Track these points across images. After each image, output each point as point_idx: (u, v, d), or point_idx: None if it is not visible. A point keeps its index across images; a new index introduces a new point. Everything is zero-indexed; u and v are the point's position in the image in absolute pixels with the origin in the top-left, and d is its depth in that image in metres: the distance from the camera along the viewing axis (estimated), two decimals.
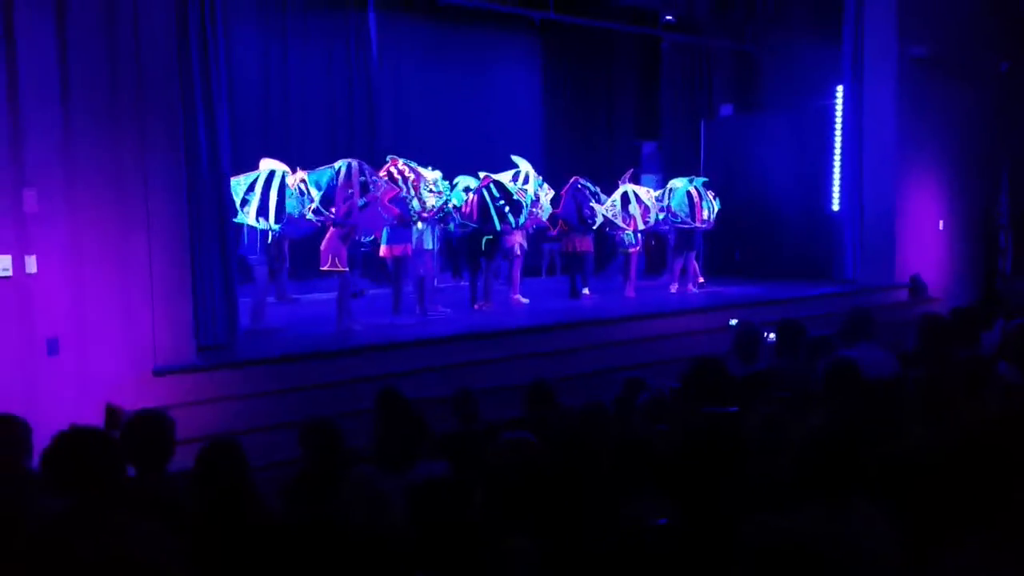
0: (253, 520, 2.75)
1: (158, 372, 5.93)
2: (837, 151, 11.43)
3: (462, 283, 11.06)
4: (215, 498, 2.79)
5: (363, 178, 7.64)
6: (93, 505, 2.47)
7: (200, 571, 2.42)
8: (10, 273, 5.37)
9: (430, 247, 8.72)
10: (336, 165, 7.74)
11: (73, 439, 2.54)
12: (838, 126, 11.37)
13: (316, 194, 7.59)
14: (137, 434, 3.19)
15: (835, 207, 11.50)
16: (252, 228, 7.78)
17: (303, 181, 7.73)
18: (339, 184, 7.58)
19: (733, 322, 5.69)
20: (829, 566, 2.23)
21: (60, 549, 2.42)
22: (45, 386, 5.48)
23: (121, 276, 5.84)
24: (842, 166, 11.32)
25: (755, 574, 2.28)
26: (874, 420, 3.54)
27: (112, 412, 5.48)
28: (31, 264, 5.46)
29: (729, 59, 14.24)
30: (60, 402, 5.41)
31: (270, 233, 7.84)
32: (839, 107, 11.30)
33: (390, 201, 7.95)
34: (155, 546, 2.47)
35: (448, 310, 8.94)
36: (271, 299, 8.85)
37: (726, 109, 13.88)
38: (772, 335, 5.44)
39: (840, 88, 11.23)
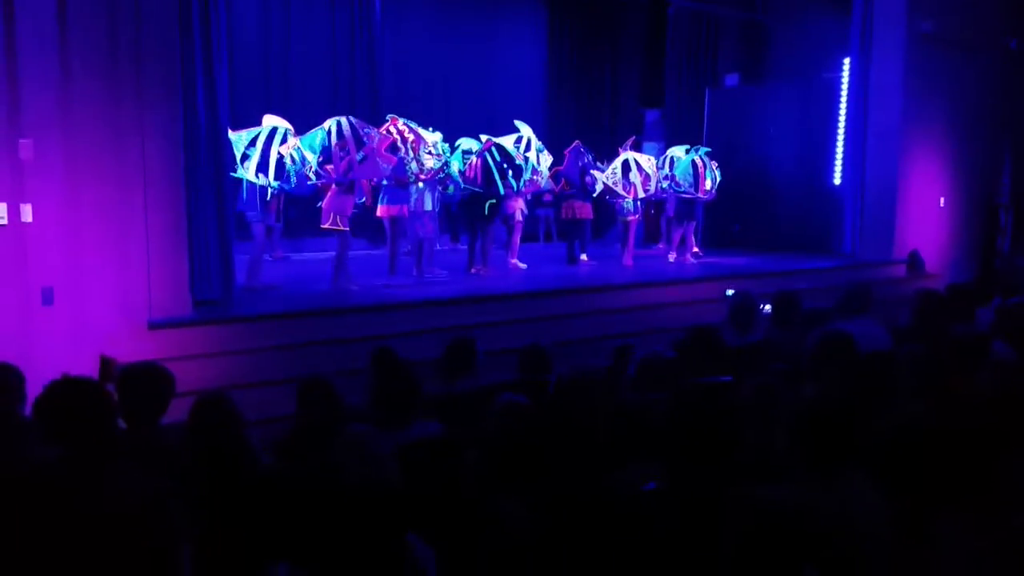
0: (246, 474, 2.76)
1: (153, 325, 5.92)
2: (841, 124, 11.35)
3: (460, 247, 11.04)
4: (207, 451, 2.80)
5: (355, 132, 7.62)
6: (86, 454, 2.48)
7: (192, 522, 2.43)
8: (5, 221, 5.34)
9: (429, 208, 8.67)
10: (326, 125, 7.71)
11: (65, 388, 2.54)
12: (843, 99, 11.28)
13: (312, 157, 7.56)
14: (133, 386, 3.19)
15: (837, 181, 11.45)
16: (251, 184, 7.74)
17: (296, 148, 7.69)
18: (333, 144, 7.56)
19: (730, 292, 5.69)
20: (819, 538, 2.25)
21: (53, 497, 2.43)
22: (39, 335, 5.47)
23: (117, 228, 5.81)
24: (845, 140, 11.25)
25: (745, 546, 2.30)
26: (866, 394, 3.56)
27: (106, 363, 5.48)
28: (26, 213, 5.42)
29: (736, 28, 14.06)
30: (54, 352, 5.40)
31: (268, 189, 7.80)
32: (845, 80, 11.21)
33: (387, 150, 7.92)
34: (147, 496, 2.48)
35: (445, 272, 8.92)
36: (266, 256, 8.82)
37: (731, 79, 13.74)
38: (768, 306, 5.47)
39: (847, 61, 11.12)
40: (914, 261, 10.70)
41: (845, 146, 11.26)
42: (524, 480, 2.80)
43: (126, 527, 2.36)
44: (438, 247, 9.72)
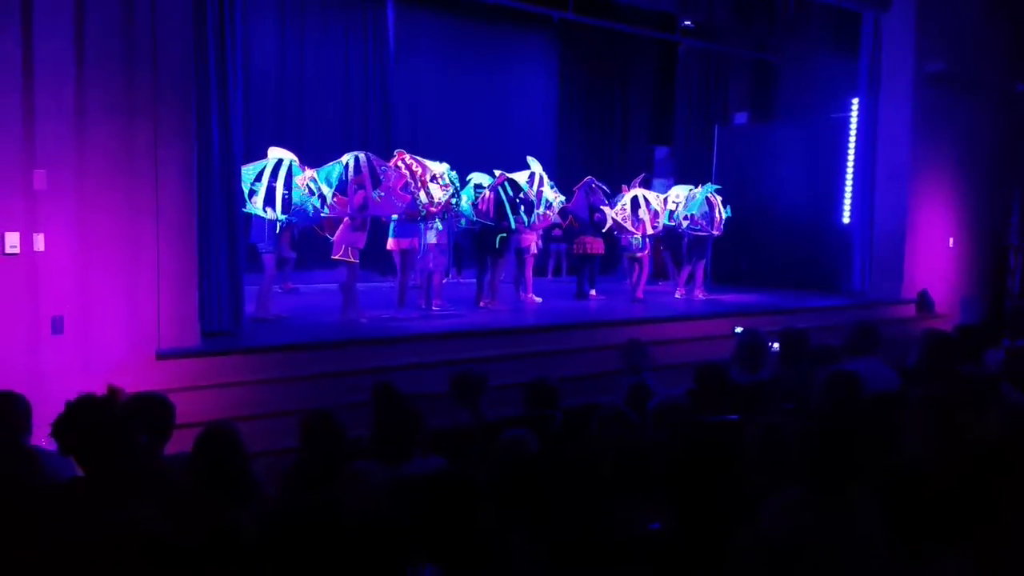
0: (248, 506, 2.75)
1: (161, 355, 5.94)
2: (850, 164, 11.39)
3: (462, 280, 11.06)
4: (211, 482, 2.80)
5: (372, 169, 7.72)
6: (96, 481, 2.49)
7: (192, 553, 2.42)
8: (18, 250, 5.39)
9: (434, 242, 8.71)
10: (344, 159, 7.80)
11: (84, 406, 2.57)
12: (852, 139, 11.34)
13: (328, 190, 7.65)
14: (135, 416, 3.20)
15: (845, 220, 11.46)
16: (260, 217, 7.80)
17: (313, 179, 7.77)
18: (349, 179, 7.65)
19: (738, 330, 5.69)
20: (820, 555, 2.24)
21: (58, 524, 2.43)
22: (48, 364, 5.49)
23: (128, 259, 5.85)
24: (854, 179, 11.28)
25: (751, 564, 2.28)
26: (872, 433, 3.53)
27: (113, 393, 5.49)
28: (39, 242, 5.47)
29: (746, 67, 14.22)
30: (63, 381, 5.40)
31: (277, 223, 7.87)
32: (854, 120, 11.26)
33: (402, 189, 8.01)
34: (152, 525, 2.48)
35: (452, 305, 8.94)
36: (276, 288, 8.86)
37: (740, 117, 13.85)
38: (776, 344, 5.46)
39: (856, 101, 11.19)
40: (924, 301, 10.66)
41: (854, 185, 11.28)
42: (528, 515, 2.79)
43: (130, 556, 2.35)
44: (452, 277, 9.76)
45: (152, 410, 3.18)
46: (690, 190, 10.54)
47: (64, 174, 5.56)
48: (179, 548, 2.30)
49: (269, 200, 7.68)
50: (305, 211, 7.79)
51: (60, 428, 2.53)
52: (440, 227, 8.66)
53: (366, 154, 7.90)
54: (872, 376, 4.46)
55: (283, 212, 7.69)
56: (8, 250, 5.36)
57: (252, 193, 7.65)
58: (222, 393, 5.87)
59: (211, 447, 2.95)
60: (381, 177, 7.75)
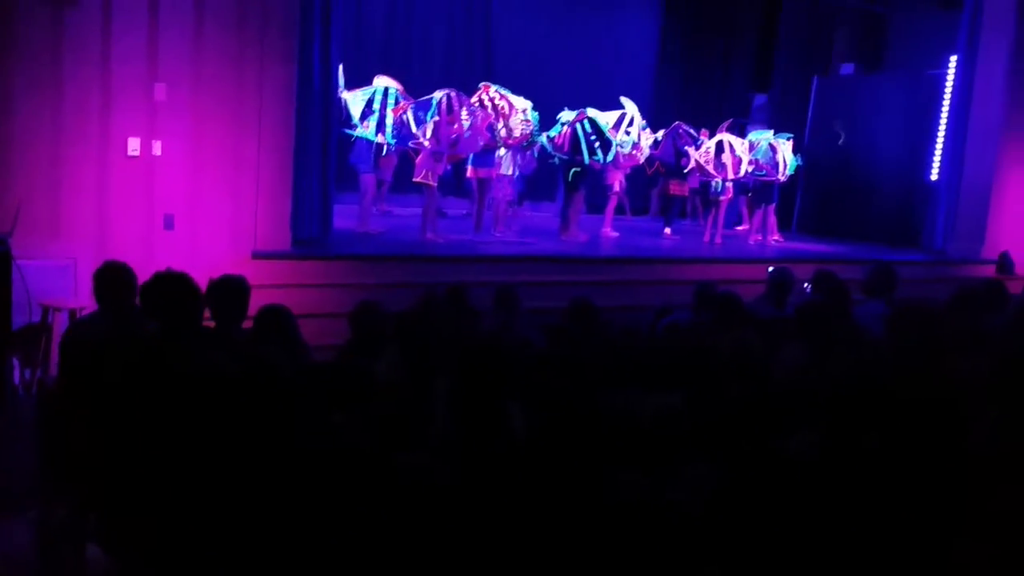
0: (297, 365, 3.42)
1: (256, 255, 6.74)
2: (943, 121, 11.23)
3: (524, 212, 11.51)
4: (267, 344, 3.47)
5: (463, 108, 8.24)
6: (176, 328, 3.20)
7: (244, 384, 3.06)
8: (138, 153, 6.24)
9: (508, 172, 9.22)
10: (436, 96, 8.33)
11: (166, 276, 3.28)
12: (947, 97, 11.15)
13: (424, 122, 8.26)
14: (218, 292, 3.93)
15: (933, 177, 11.35)
16: (367, 140, 8.47)
17: (409, 109, 8.36)
18: (441, 117, 8.18)
19: (771, 269, 6.04)
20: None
21: (156, 360, 3.14)
22: (159, 256, 6.33)
23: (232, 167, 6.63)
24: (946, 137, 11.13)
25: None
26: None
27: (211, 282, 6.31)
28: (157, 148, 6.31)
29: (853, 17, 13.92)
30: None
31: (385, 147, 8.54)
32: (950, 77, 11.07)
33: (487, 129, 8.54)
34: (227, 369, 3.16)
35: (512, 234, 9.40)
36: (373, 209, 9.56)
37: (847, 68, 13.62)
38: (808, 286, 5.79)
39: (954, 58, 10.97)
40: (1004, 262, 10.52)
41: (945, 143, 11.15)
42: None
43: (211, 391, 3.02)
44: (522, 207, 10.29)
45: (229, 287, 3.87)
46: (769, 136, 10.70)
47: (180, 88, 6.35)
48: (237, 381, 2.95)
49: (380, 126, 8.36)
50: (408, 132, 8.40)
51: (146, 290, 3.23)
52: (508, 160, 9.10)
53: (456, 93, 8.42)
54: (874, 316, 4.77)
55: (392, 137, 8.35)
56: (130, 153, 6.21)
57: (364, 117, 8.32)
58: (307, 292, 6.62)
59: (267, 317, 3.64)
60: (470, 117, 8.29)
